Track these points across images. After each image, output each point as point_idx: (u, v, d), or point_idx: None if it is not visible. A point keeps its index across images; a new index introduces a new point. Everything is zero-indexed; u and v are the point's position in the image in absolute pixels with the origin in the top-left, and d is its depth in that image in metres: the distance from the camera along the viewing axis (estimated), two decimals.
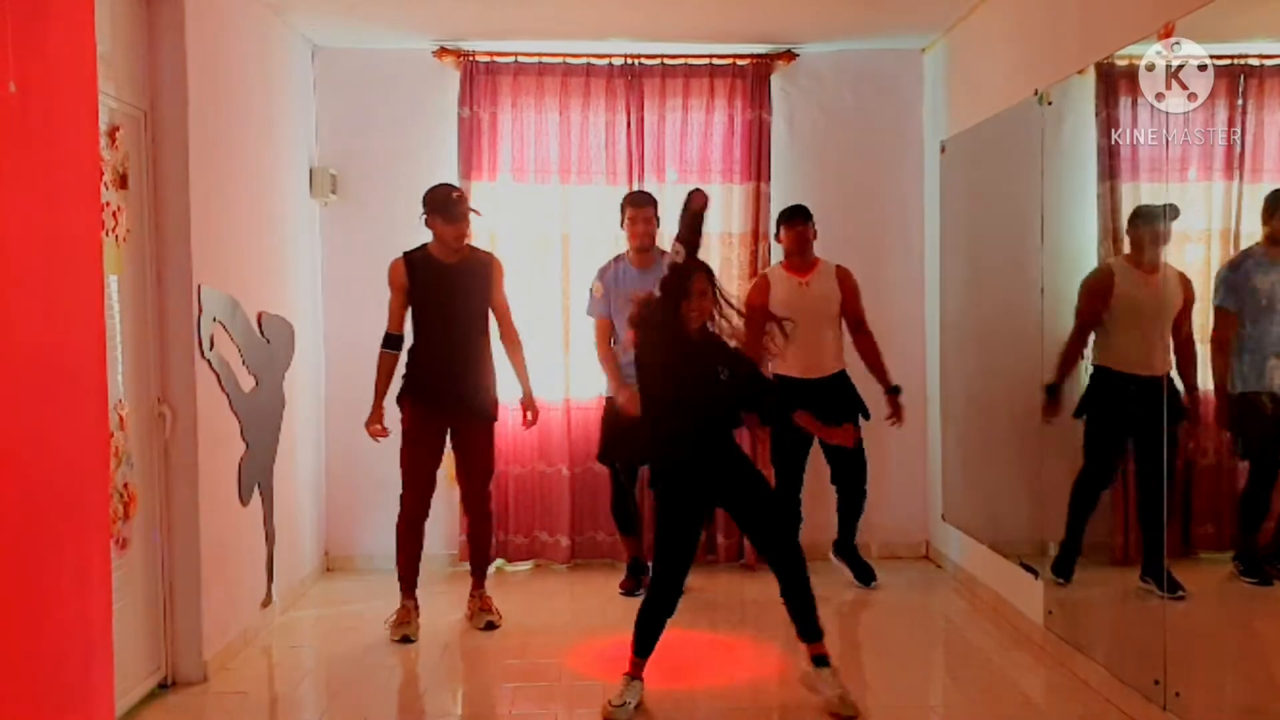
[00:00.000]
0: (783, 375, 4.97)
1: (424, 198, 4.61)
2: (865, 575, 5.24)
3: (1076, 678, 4.01)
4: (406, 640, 4.54)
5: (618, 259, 5.30)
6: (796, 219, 5.09)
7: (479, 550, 4.85)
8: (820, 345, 5.01)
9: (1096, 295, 4.12)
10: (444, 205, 4.54)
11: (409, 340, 4.70)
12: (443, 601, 5.05)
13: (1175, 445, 3.59)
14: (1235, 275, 3.55)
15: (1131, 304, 4.06)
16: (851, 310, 5.12)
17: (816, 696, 3.79)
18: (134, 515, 3.78)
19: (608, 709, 3.78)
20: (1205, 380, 3.68)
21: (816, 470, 5.17)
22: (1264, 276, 3.48)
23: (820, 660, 3.80)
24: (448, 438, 4.72)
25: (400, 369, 4.70)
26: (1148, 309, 4.00)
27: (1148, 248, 3.99)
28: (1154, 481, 3.89)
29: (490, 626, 4.69)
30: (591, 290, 5.31)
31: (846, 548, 5.30)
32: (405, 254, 4.66)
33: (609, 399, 5.28)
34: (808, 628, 3.81)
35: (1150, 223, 3.96)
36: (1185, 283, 3.79)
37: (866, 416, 5.08)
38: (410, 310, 4.64)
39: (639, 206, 5.19)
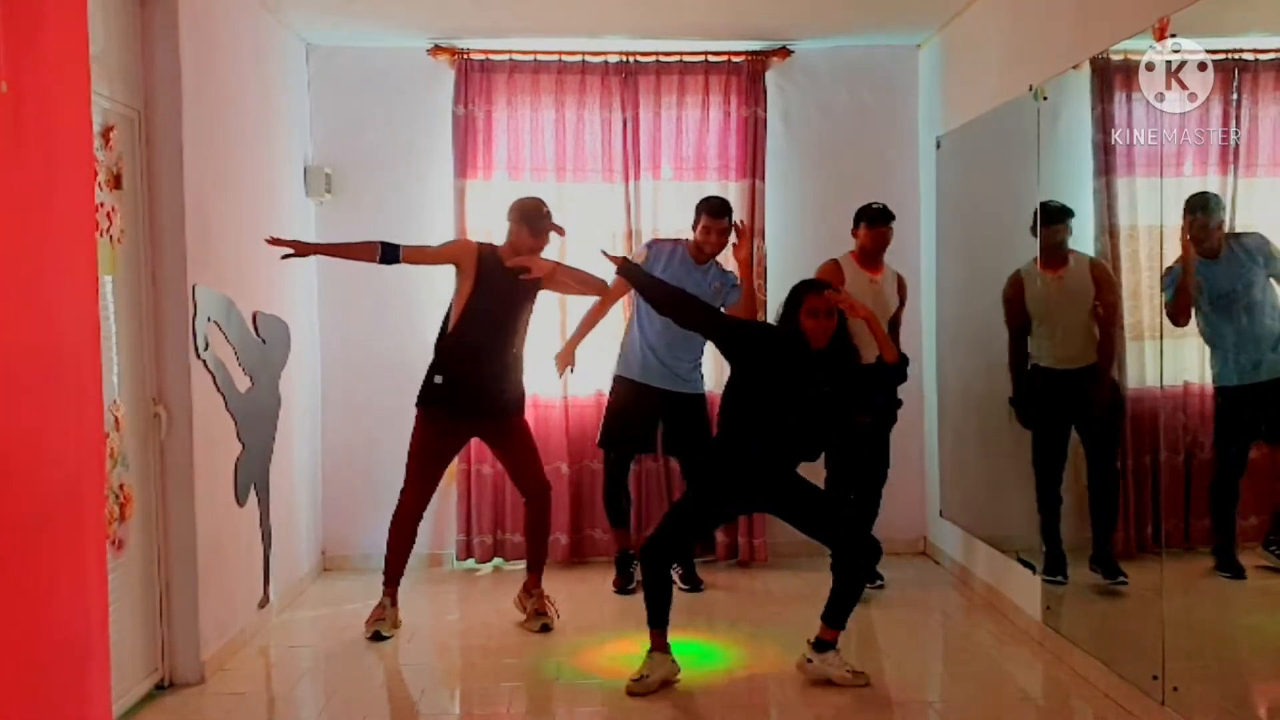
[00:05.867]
0: None
1: (514, 205, 4.64)
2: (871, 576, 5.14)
3: (1075, 673, 4.02)
4: (378, 637, 4.54)
5: (678, 241, 5.20)
6: (879, 222, 4.96)
7: (539, 544, 4.81)
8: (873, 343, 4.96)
9: (1010, 302, 4.32)
10: (535, 218, 4.58)
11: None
12: (440, 602, 5.06)
13: (1115, 435, 3.63)
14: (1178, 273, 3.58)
15: (1043, 303, 4.22)
16: (895, 316, 5.08)
17: (823, 679, 3.93)
18: (130, 516, 3.77)
19: (630, 684, 3.88)
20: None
21: None
22: (1215, 274, 3.52)
23: (825, 645, 3.94)
24: (469, 446, 4.72)
25: (421, 361, 4.66)
26: (1058, 306, 4.13)
27: (1050, 247, 4.14)
28: (1098, 471, 3.96)
29: (545, 630, 4.62)
30: (633, 254, 5.20)
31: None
32: (480, 243, 4.68)
33: (619, 379, 5.23)
34: (838, 615, 3.95)
35: (1048, 222, 4.09)
36: (1097, 270, 3.83)
37: (893, 419, 5.07)
38: (462, 306, 4.54)
39: (716, 217, 5.04)
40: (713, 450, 4.07)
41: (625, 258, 4.41)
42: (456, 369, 4.53)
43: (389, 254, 4.45)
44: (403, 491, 4.66)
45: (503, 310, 4.57)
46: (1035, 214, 4.17)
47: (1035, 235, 4.19)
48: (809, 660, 3.98)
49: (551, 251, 5.62)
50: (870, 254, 5.00)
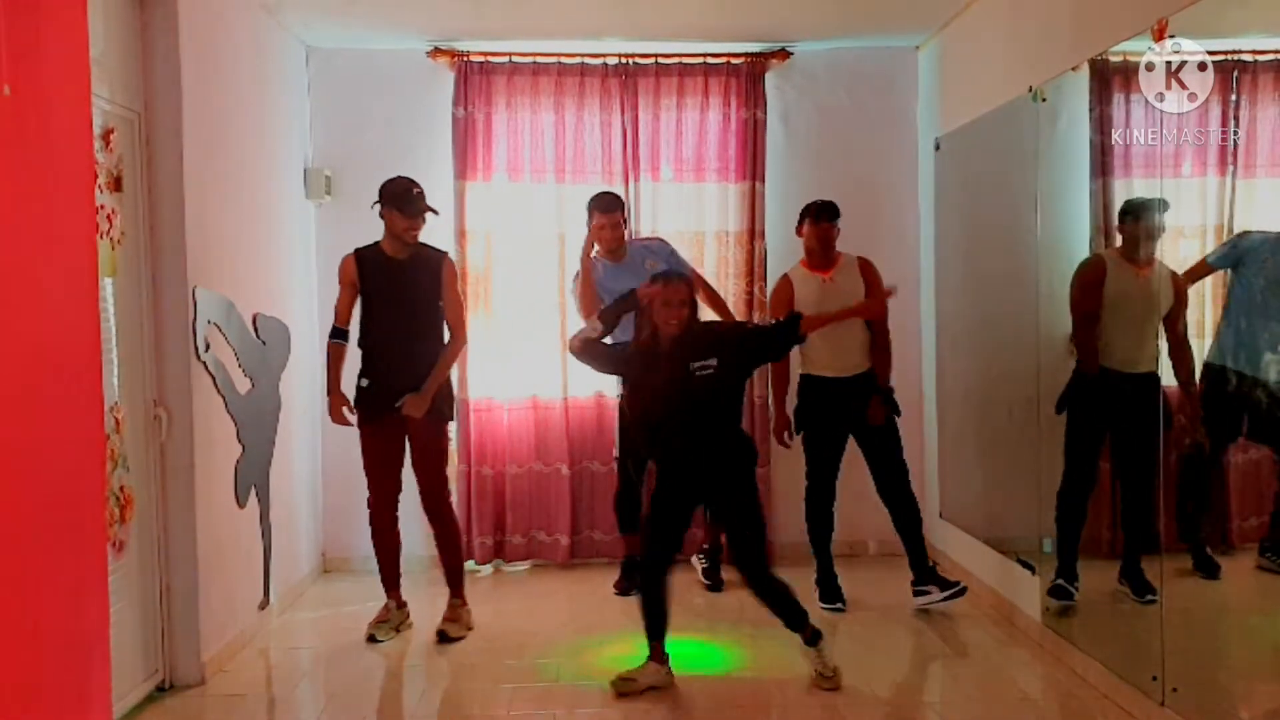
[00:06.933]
0: (811, 374, 4.86)
1: (381, 188, 4.52)
2: (947, 584, 4.84)
3: (1074, 674, 4.02)
4: (373, 640, 4.54)
5: (594, 262, 5.17)
6: (824, 217, 4.83)
7: (444, 556, 4.69)
8: (847, 342, 4.80)
9: (1091, 286, 4.08)
10: (402, 199, 4.46)
11: (356, 335, 4.64)
12: (441, 603, 5.03)
13: (1161, 446, 3.58)
14: (1244, 244, 3.54)
15: (1123, 299, 4.03)
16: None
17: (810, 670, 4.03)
18: (130, 518, 3.77)
19: (615, 681, 3.93)
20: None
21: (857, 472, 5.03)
22: (1275, 263, 3.48)
23: (810, 640, 4.02)
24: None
25: (356, 364, 4.65)
26: (1138, 305, 3.99)
27: (1140, 243, 3.99)
28: (1140, 483, 3.89)
29: (442, 637, 4.50)
30: (574, 294, 5.20)
31: (923, 571, 4.87)
32: (357, 250, 4.60)
33: (623, 398, 5.18)
34: (791, 621, 4.02)
35: (1143, 217, 3.95)
36: (1177, 280, 3.78)
37: (898, 414, 4.89)
38: (361, 305, 4.58)
39: (607, 213, 5.04)
40: (657, 458, 4.13)
41: (577, 340, 4.21)
42: (372, 371, 4.55)
43: (336, 334, 4.60)
44: (368, 498, 4.66)
45: (395, 301, 4.51)
46: (1127, 205, 3.97)
47: (1120, 229, 4.00)
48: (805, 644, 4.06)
49: (553, 256, 5.68)
50: (818, 254, 4.87)
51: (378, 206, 4.51)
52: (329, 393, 4.63)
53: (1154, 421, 3.50)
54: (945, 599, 4.78)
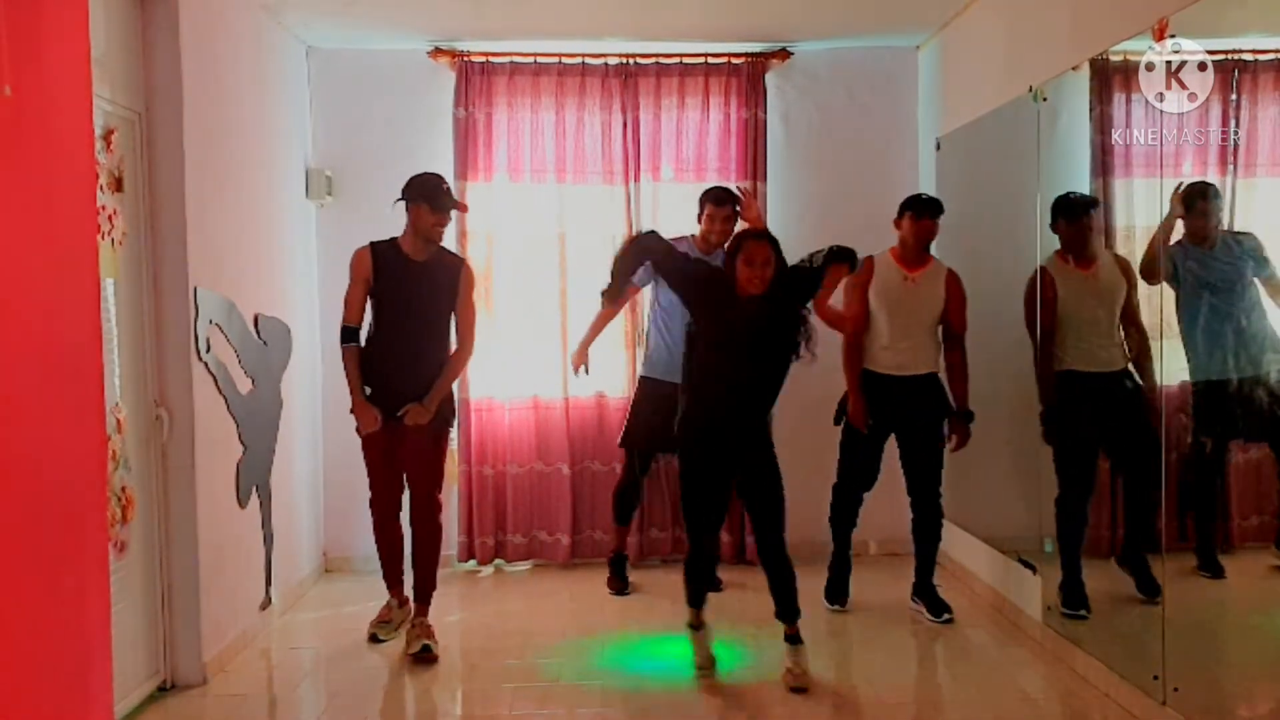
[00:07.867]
0: (869, 370, 4.70)
1: (408, 183, 4.39)
2: (938, 609, 4.78)
3: (1075, 674, 4.02)
4: (375, 640, 4.55)
5: (682, 238, 5.13)
6: (926, 213, 4.62)
7: (420, 565, 4.48)
8: (913, 345, 4.67)
9: (1041, 301, 4.10)
10: (432, 194, 4.33)
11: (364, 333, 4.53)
12: (440, 602, 5.05)
13: (1149, 438, 3.59)
14: (1173, 259, 3.58)
15: (1077, 302, 4.05)
16: (954, 319, 4.69)
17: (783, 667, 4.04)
18: (132, 519, 3.78)
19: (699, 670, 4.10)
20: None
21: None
22: (1208, 265, 3.51)
23: (792, 639, 4.04)
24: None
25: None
26: (1090, 305, 4.00)
27: (1078, 241, 4.00)
28: (1135, 480, 3.90)
29: (426, 650, 4.31)
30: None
31: (923, 586, 4.84)
32: (372, 244, 4.46)
33: (644, 379, 5.21)
34: (784, 611, 4.07)
35: (1075, 215, 3.97)
36: (1125, 267, 3.79)
37: (968, 436, 4.76)
38: (371, 303, 4.45)
39: (719, 206, 5.04)
40: (682, 417, 4.07)
41: (609, 289, 4.26)
42: (376, 375, 4.42)
43: (348, 336, 4.42)
44: (370, 498, 4.63)
45: (408, 306, 4.38)
46: (1057, 206, 4.01)
47: (1054, 229, 4.04)
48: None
49: (553, 256, 5.69)
50: (911, 249, 4.69)
51: (402, 203, 4.37)
52: (354, 402, 4.43)
53: (1139, 417, 3.52)
54: (929, 621, 4.77)
